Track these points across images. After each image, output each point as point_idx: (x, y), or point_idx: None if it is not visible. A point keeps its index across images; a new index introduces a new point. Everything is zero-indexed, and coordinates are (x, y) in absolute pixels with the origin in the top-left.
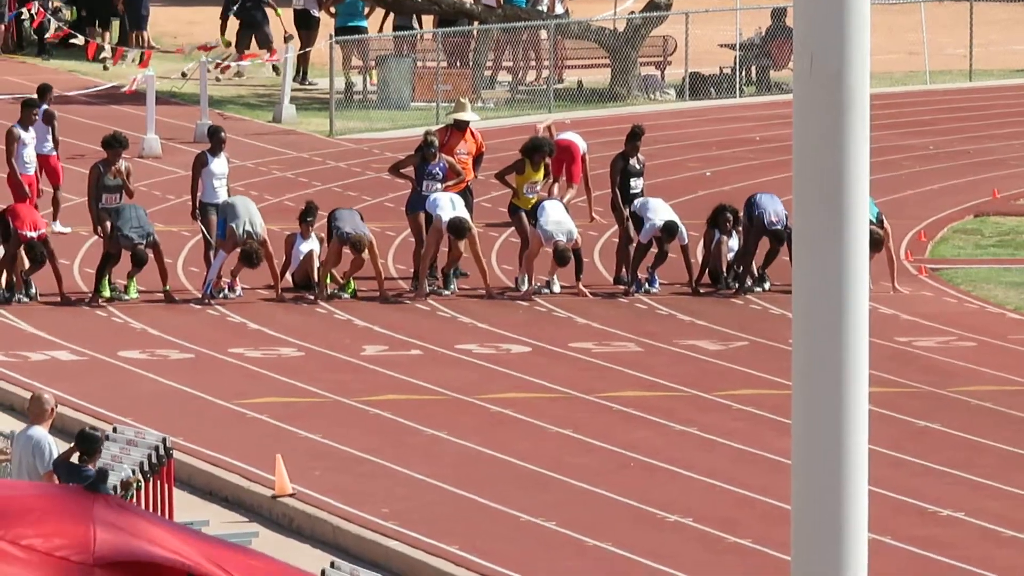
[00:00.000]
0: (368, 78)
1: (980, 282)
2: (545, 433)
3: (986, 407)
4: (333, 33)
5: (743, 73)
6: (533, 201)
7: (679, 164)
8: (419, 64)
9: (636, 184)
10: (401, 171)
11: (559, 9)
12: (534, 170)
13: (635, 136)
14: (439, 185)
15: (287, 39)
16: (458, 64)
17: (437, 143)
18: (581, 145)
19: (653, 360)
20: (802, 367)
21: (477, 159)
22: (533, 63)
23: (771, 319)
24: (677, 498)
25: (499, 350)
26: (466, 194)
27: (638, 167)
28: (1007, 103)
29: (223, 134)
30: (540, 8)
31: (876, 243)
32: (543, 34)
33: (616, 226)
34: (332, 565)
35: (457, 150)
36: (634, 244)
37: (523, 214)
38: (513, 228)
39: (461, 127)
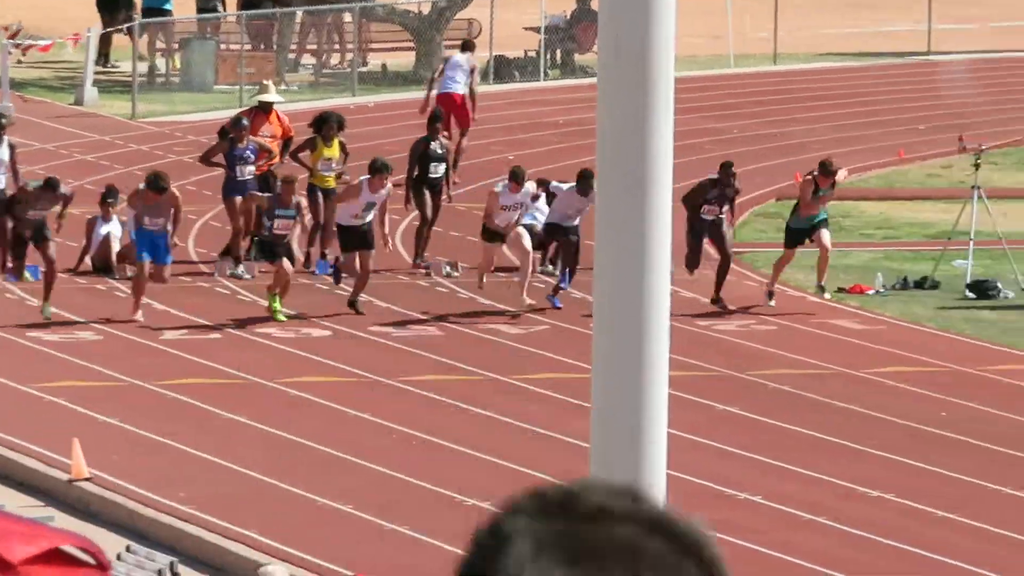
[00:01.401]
0: (171, 61)
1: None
2: (345, 417)
3: (785, 390)
4: (137, 15)
5: (548, 56)
6: (330, 180)
7: (483, 148)
8: (222, 47)
9: (436, 168)
10: (211, 160)
11: None
12: (326, 146)
13: (436, 119)
14: (252, 168)
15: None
16: (262, 47)
17: (246, 122)
18: (458, 88)
19: (453, 344)
20: (602, 351)
21: (286, 144)
22: (337, 46)
23: (572, 302)
24: (475, 481)
25: (299, 334)
26: (267, 178)
27: (440, 151)
28: (811, 87)
29: (3, 120)
30: None
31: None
32: (347, 17)
33: (416, 210)
34: (128, 549)
35: (262, 131)
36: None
37: (319, 193)
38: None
39: (265, 109)
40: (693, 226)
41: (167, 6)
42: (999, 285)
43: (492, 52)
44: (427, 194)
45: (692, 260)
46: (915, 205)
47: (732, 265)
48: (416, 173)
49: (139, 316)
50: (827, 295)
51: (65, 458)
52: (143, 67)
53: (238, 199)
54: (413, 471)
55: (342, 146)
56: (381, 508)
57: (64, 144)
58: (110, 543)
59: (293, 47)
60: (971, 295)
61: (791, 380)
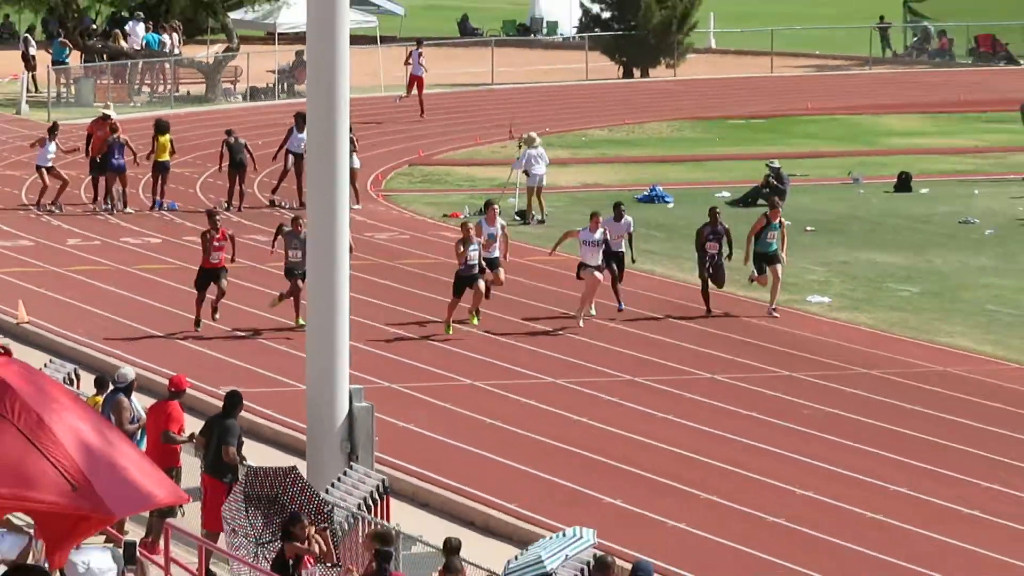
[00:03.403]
0: (69, 90)
1: (411, 203)
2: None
3: (422, 274)
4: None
5: (280, 86)
6: (164, 155)
7: (253, 137)
8: (97, 81)
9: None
10: (90, 148)
11: None
12: (161, 135)
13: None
14: (51, 154)
15: None
16: (119, 81)
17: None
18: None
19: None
20: (314, 274)
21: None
22: (161, 80)
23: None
24: None
25: None
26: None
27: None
28: (442, 104)
29: None
30: None
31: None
32: (167, 64)
33: None
34: (347, 471)
35: (98, 133)
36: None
37: (161, 169)
38: None
39: (105, 118)
40: (703, 259)
41: (66, 60)
42: (535, 215)
43: (248, 84)
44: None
45: (713, 279)
46: (486, 169)
47: (384, 202)
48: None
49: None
50: (776, 315)
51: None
52: (55, 92)
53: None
54: None
55: (171, 140)
56: None
57: (10, 135)
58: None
59: (137, 81)
60: (517, 219)
61: (424, 267)
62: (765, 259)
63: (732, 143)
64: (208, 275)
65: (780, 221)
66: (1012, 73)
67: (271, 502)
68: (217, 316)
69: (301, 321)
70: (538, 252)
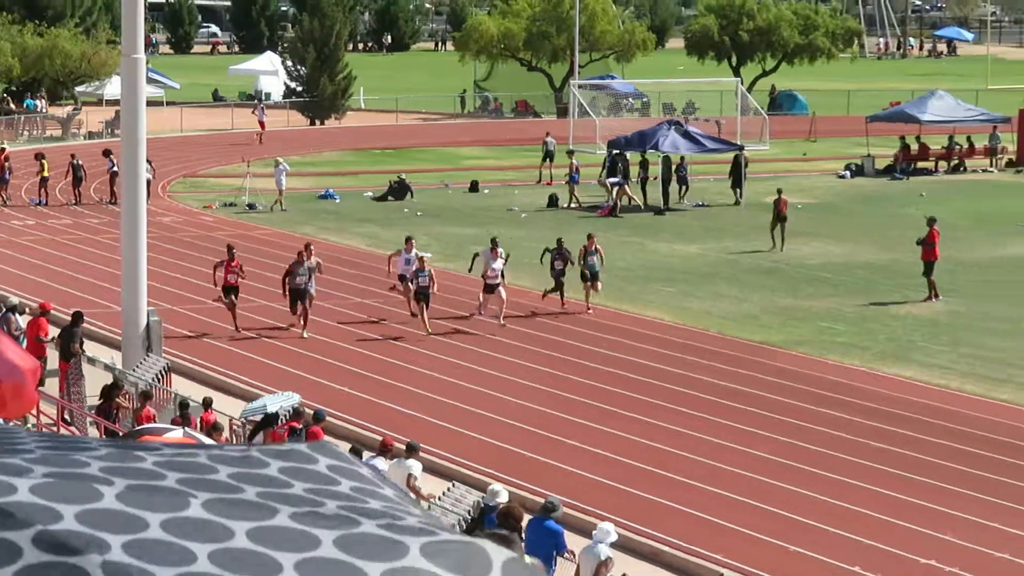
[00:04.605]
0: None
1: (184, 200)
2: None
3: (191, 241)
4: None
5: (109, 131)
6: (45, 172)
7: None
8: None
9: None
10: None
11: None
12: (44, 162)
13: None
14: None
15: None
16: (10, 126)
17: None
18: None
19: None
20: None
21: None
22: (38, 126)
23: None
24: None
25: None
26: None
27: None
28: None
29: None
30: None
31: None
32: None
33: None
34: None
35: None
36: None
37: (47, 184)
38: None
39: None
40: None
41: None
42: (279, 207)
43: (87, 129)
44: None
45: (557, 288)
46: (227, 180)
47: (168, 199)
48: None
49: None
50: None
51: None
52: None
53: None
54: None
55: (45, 166)
56: None
57: None
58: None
59: (21, 127)
60: (248, 208)
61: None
62: (592, 276)
63: (373, 164)
64: (229, 290)
65: (596, 247)
66: (537, 123)
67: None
68: (238, 328)
69: (306, 334)
70: (263, 228)
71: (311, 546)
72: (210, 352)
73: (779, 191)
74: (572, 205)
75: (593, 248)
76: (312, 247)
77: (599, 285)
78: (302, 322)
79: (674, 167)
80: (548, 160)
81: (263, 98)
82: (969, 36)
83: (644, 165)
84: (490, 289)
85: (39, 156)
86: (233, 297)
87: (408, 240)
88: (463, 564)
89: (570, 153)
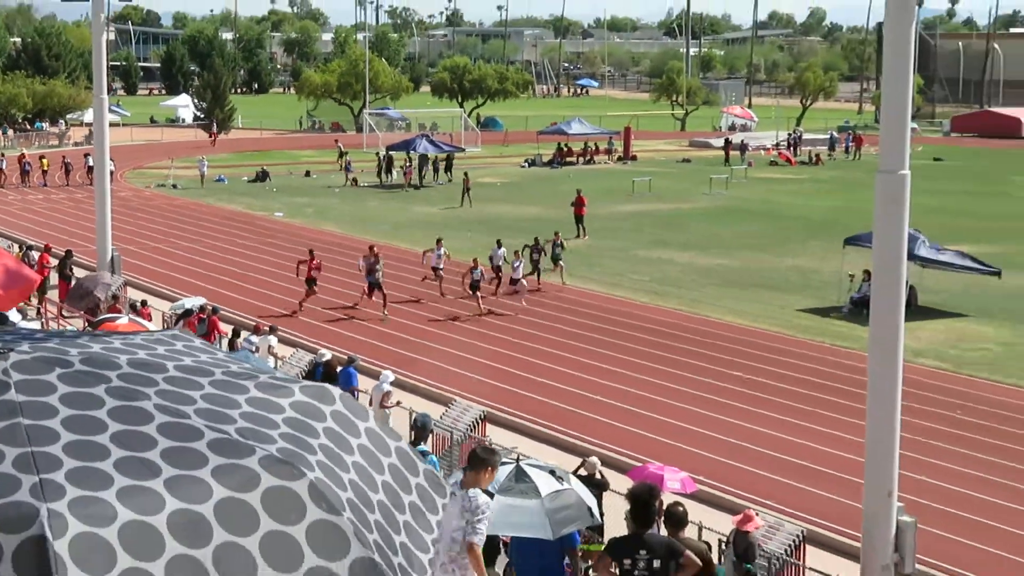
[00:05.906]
0: None
1: (135, 183)
2: None
3: (145, 211)
4: None
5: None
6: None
7: None
8: None
9: None
10: None
11: None
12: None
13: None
14: None
15: None
16: None
17: None
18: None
19: None
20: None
21: None
22: None
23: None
24: None
25: None
26: None
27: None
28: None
29: None
30: None
31: None
32: None
33: None
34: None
35: None
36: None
37: None
38: None
39: None
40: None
41: None
42: (224, 178)
43: (71, 141)
44: None
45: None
46: (164, 171)
47: (129, 183)
48: None
49: None
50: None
51: None
52: None
53: None
54: None
55: (46, 163)
56: None
57: None
58: None
59: None
60: (174, 187)
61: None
62: (555, 260)
63: (247, 160)
64: (310, 281)
65: (560, 241)
66: (344, 136)
67: (85, 295)
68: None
69: (385, 313)
70: (181, 199)
71: (207, 376)
72: (141, 271)
73: (465, 173)
74: (348, 184)
75: (559, 241)
76: (375, 248)
77: (562, 266)
78: (383, 303)
79: (429, 162)
80: (343, 156)
81: (182, 122)
82: (596, 83)
83: (412, 161)
84: (513, 282)
85: (42, 157)
86: (314, 287)
87: (438, 241)
88: (315, 394)
89: (343, 155)
